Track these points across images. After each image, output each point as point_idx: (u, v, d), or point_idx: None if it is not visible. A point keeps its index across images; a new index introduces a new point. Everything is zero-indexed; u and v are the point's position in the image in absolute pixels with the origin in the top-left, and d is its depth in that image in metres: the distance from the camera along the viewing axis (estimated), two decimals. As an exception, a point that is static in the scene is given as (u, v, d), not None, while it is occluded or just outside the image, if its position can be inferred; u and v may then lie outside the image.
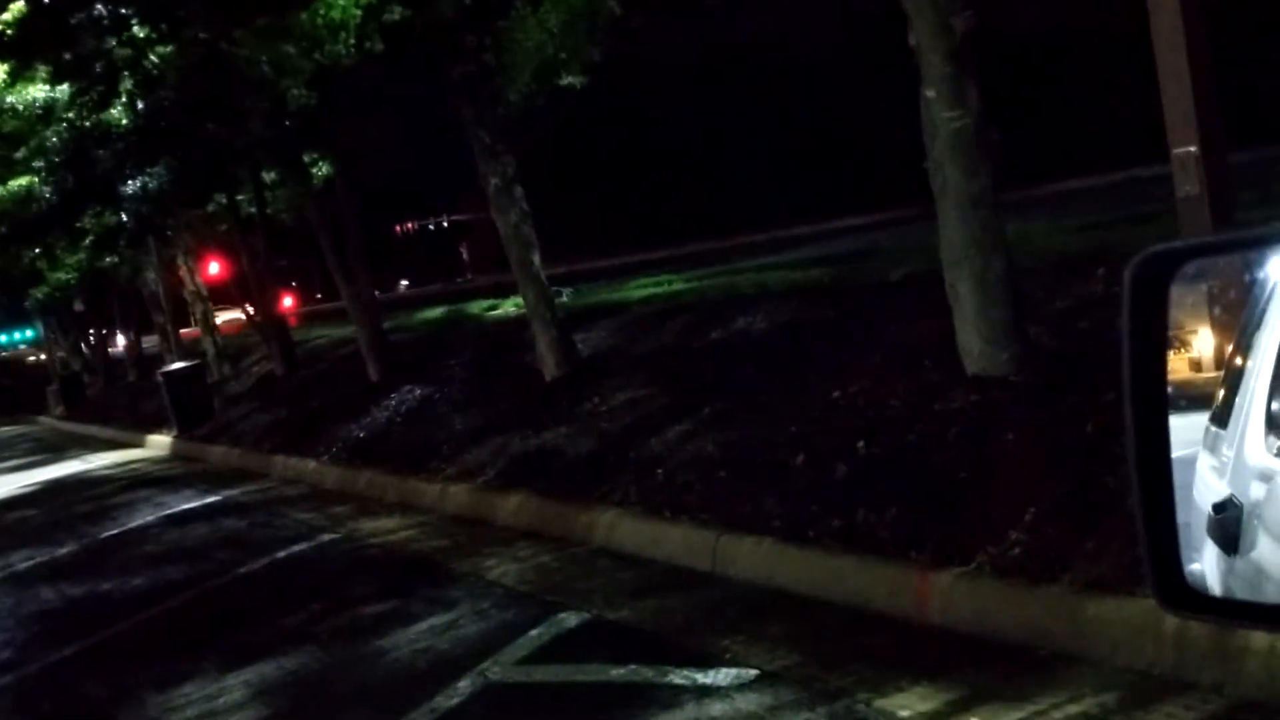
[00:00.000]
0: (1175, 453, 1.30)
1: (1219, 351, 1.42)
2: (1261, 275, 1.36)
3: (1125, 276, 1.25)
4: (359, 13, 8.86)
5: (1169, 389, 1.29)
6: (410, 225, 59.00)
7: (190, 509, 11.84)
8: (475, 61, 9.91)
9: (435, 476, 9.74)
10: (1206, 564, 1.40)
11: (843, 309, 9.05)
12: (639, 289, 13.88)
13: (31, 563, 10.46)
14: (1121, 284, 1.25)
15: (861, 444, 6.45)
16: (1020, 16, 29.78)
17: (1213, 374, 1.44)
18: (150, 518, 11.70)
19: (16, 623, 8.28)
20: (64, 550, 10.81)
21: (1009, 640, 4.53)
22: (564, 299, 13.62)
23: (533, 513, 8.10)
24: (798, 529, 5.97)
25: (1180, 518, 1.30)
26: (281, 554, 8.85)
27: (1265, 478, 1.37)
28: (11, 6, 12.97)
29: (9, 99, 15.84)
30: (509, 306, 15.42)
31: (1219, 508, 1.41)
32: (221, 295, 25.26)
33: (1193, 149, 5.58)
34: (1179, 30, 5.59)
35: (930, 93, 6.31)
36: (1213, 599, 1.34)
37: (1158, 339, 1.27)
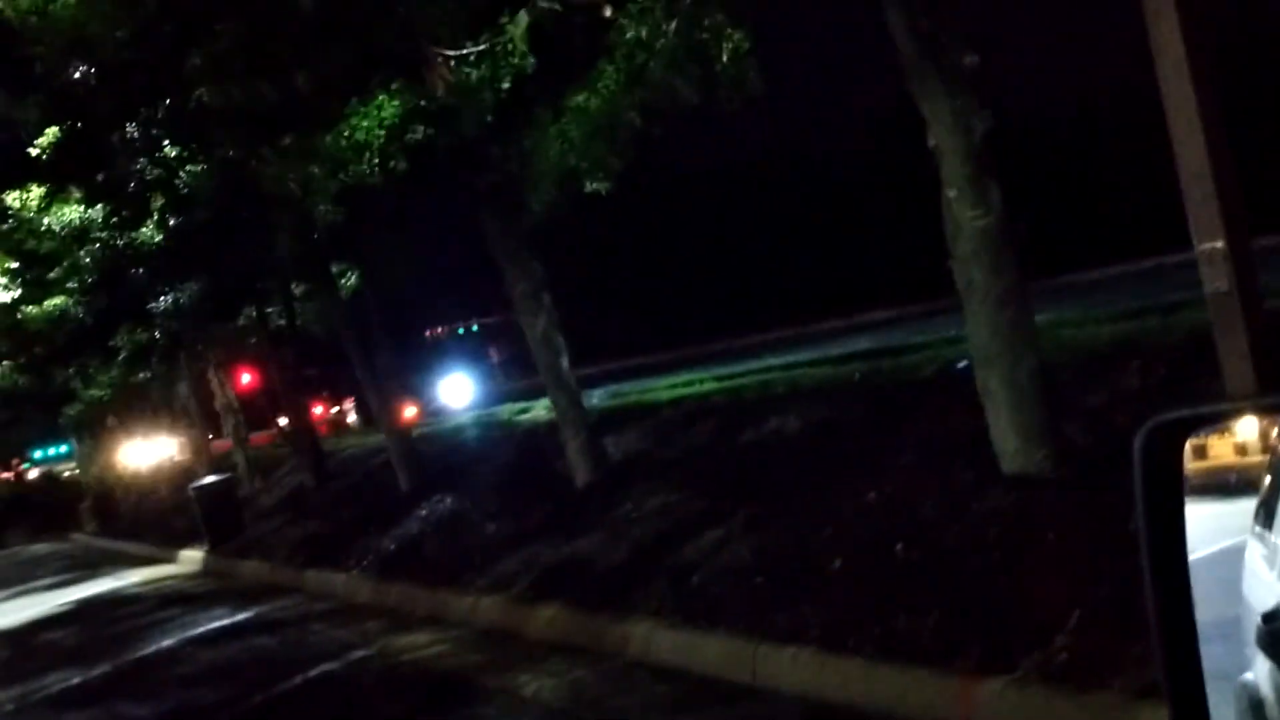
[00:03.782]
0: (1221, 543, 1.26)
1: (1264, 434, 1.39)
2: None
3: (1135, 445, 1.24)
4: (383, 134, 9.03)
5: (1189, 555, 1.25)
6: (440, 330, 59.53)
7: (221, 627, 11.75)
8: (498, 173, 10.04)
9: (467, 589, 9.62)
10: (1259, 675, 1.35)
11: (875, 407, 8.98)
12: (669, 389, 13.85)
13: (64, 685, 10.36)
14: (1132, 452, 1.24)
15: (899, 547, 6.33)
16: (1042, 107, 30.19)
17: (1258, 457, 1.41)
18: (182, 637, 11.60)
19: (47, 751, 8.16)
20: (96, 672, 10.70)
21: (1060, 750, 4.38)
22: (594, 401, 13.60)
23: (566, 625, 7.96)
24: (837, 637, 5.84)
25: (1230, 611, 1.27)
26: (314, 672, 8.72)
27: None
28: (47, 130, 13.36)
29: (45, 220, 16.19)
30: (539, 410, 15.40)
31: (1269, 617, 1.36)
32: (251, 407, 25.41)
33: (1219, 244, 5.54)
34: (1198, 128, 5.59)
35: (952, 193, 6.33)
36: None
37: (1174, 503, 1.25)
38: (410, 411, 20.07)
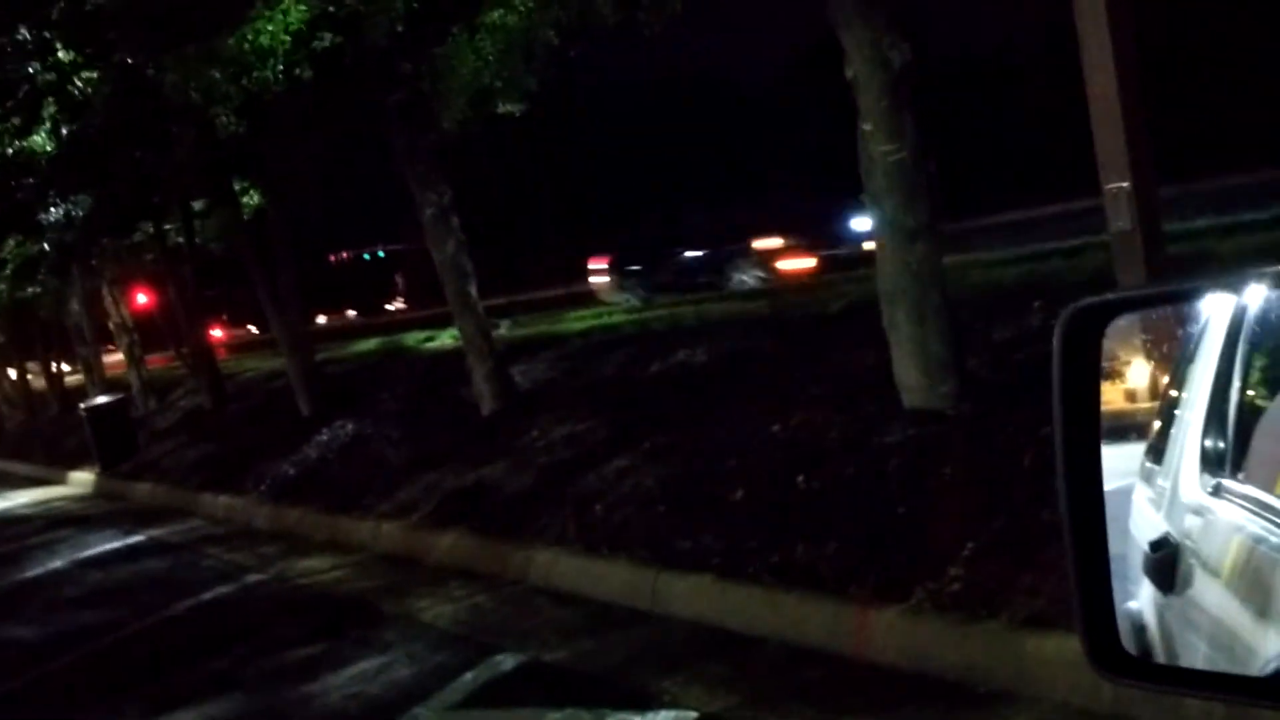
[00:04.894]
0: (1112, 484, 1.29)
1: (1154, 382, 1.42)
2: (1194, 312, 1.36)
3: (1056, 330, 1.23)
4: (288, 39, 8.68)
5: (1102, 442, 1.26)
6: (345, 255, 58.39)
7: (113, 549, 11.48)
8: (409, 89, 9.76)
9: (367, 514, 9.52)
10: (1143, 602, 1.40)
11: (782, 340, 9.03)
12: (578, 320, 13.78)
13: (-57, 608, 10.04)
14: (1052, 337, 1.22)
15: (801, 478, 6.40)
16: (957, 47, 30.40)
17: (1148, 404, 1.44)
18: (71, 559, 11.31)
19: (-77, 672, 7.90)
20: (-21, 594, 10.39)
21: (949, 677, 4.49)
22: (502, 331, 13.47)
23: (467, 551, 7.92)
24: (737, 565, 5.90)
25: (1116, 548, 1.30)
26: (207, 596, 8.58)
27: (1200, 515, 1.39)
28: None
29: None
30: (445, 338, 15.22)
31: (1155, 545, 1.41)
32: (148, 327, 24.67)
33: (1125, 184, 5.63)
34: (1110, 68, 5.65)
35: (867, 126, 6.31)
36: (1146, 664, 1.33)
37: (1090, 393, 1.26)
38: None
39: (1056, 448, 1.24)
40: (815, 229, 21.33)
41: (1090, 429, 1.26)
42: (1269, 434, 1.26)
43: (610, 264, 21.37)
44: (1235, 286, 1.24)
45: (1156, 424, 1.46)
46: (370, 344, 19.35)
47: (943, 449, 5.92)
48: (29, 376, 31.67)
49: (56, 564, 11.19)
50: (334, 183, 20.98)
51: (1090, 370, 1.26)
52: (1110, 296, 1.28)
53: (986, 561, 4.86)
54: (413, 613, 7.00)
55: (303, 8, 8.67)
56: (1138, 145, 5.71)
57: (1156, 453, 1.47)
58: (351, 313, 47.90)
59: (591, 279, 21.73)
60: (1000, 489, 5.27)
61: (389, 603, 7.36)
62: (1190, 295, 1.34)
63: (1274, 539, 1.21)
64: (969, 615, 4.62)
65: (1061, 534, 1.23)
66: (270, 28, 8.63)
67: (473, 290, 10.68)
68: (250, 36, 8.72)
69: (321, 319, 47.45)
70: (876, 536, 5.48)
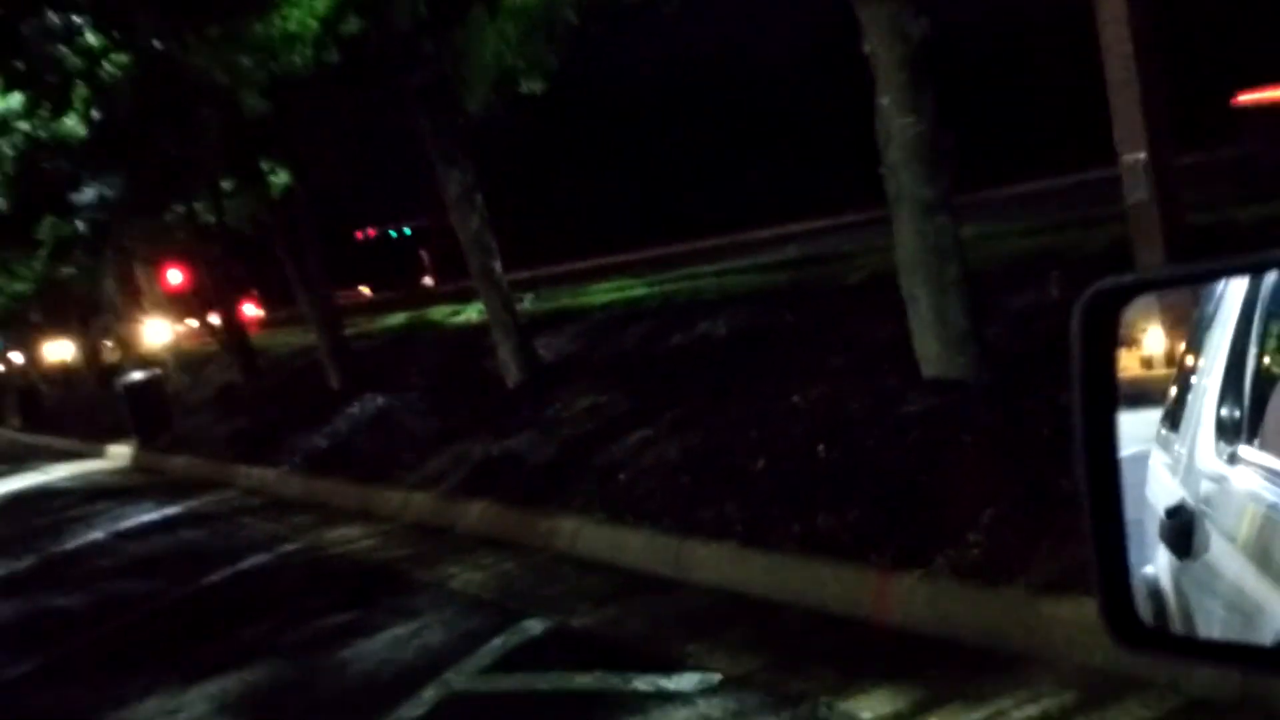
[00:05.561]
0: (1128, 450, 1.32)
1: (1170, 349, 1.46)
2: (1212, 285, 1.40)
3: (1074, 312, 1.26)
4: (315, 24, 8.80)
5: (1119, 408, 1.30)
6: (371, 231, 58.67)
7: (150, 520, 11.72)
8: (432, 71, 9.87)
9: (397, 485, 9.69)
10: (1160, 568, 1.43)
11: (803, 313, 9.10)
12: (601, 294, 13.89)
13: (-11, 578, 10.32)
14: (1070, 319, 1.26)
15: (821, 448, 6.49)
16: (975, 16, 30.11)
17: (1164, 371, 1.48)
18: (110, 530, 11.57)
19: (-28, 640, 8.16)
20: (22, 565, 10.66)
21: (969, 641, 4.56)
22: (526, 305, 13.60)
23: (495, 520, 8.08)
24: (759, 533, 5.99)
25: (1133, 514, 1.32)
26: (244, 565, 8.78)
27: (1216, 483, 1.42)
28: (-40, 16, 12.78)
29: (-39, 109, 15.57)
30: (471, 313, 15.37)
31: (1171, 512, 1.45)
32: (180, 304, 24.95)
33: (1141, 155, 5.68)
34: (1127, 39, 5.69)
35: (885, 100, 6.37)
36: (1162, 634, 1.37)
37: (1108, 373, 1.29)
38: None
39: (1075, 425, 1.26)
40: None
41: (1108, 407, 1.28)
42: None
43: None
44: (1252, 269, 1.27)
45: (1173, 391, 1.49)
46: (398, 319, 19.54)
47: (962, 418, 5.98)
48: (67, 354, 32.17)
49: (96, 535, 11.45)
50: (360, 161, 21.11)
51: (1108, 350, 1.28)
52: (1127, 279, 1.30)
53: (1005, 528, 4.93)
54: (443, 580, 7.16)
55: (329, -7, 8.78)
56: (1154, 116, 5.75)
57: (1173, 420, 1.49)
58: (365, 290, 47.83)
59: None
60: (1019, 457, 5.35)
61: (420, 570, 7.51)
62: (1207, 277, 1.36)
63: None
64: (988, 581, 4.69)
65: (1079, 507, 1.27)
66: (297, 13, 8.74)
67: (497, 266, 10.81)
68: (278, 21, 8.83)
69: (365, 290, 47.59)
70: (897, 505, 5.55)
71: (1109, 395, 1.28)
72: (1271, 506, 1.27)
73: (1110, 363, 1.29)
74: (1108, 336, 1.28)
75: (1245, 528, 1.34)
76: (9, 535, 12.62)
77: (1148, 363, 1.44)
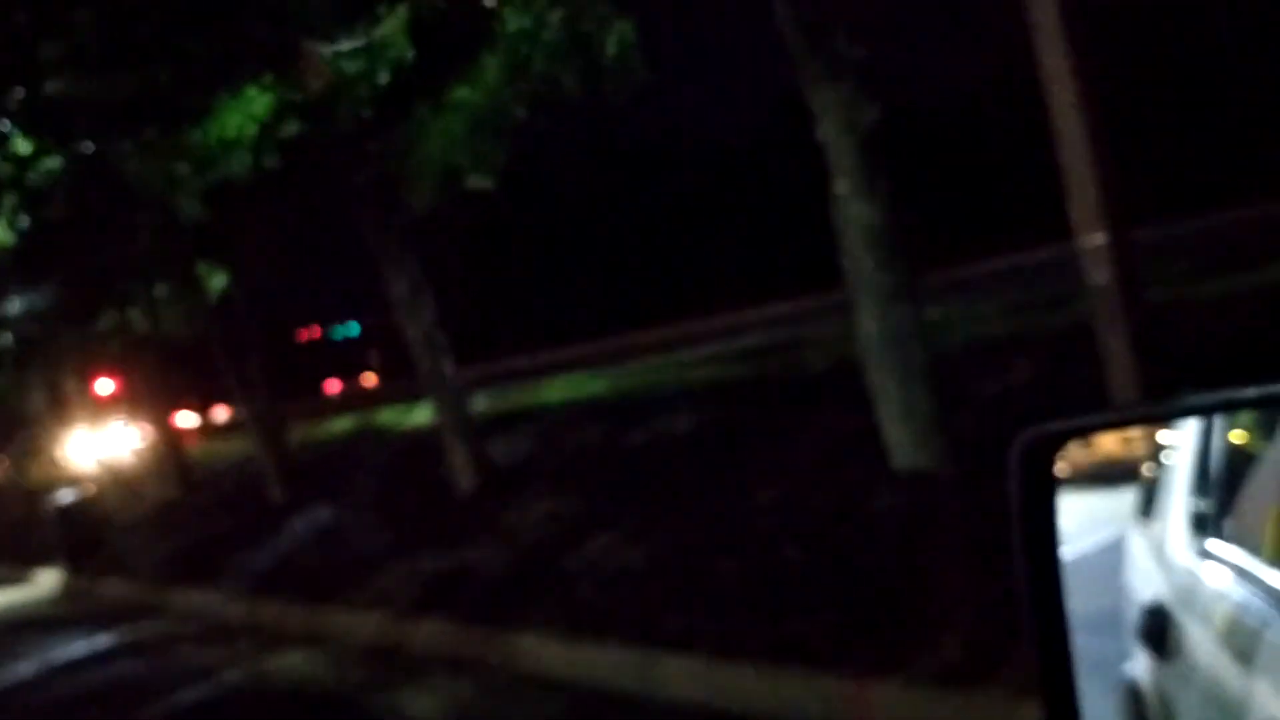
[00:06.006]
0: (1103, 534, 1.39)
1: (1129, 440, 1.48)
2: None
3: (1011, 457, 1.28)
4: (255, 129, 8.63)
5: (1062, 563, 1.29)
6: (316, 332, 58.10)
7: (83, 652, 11.12)
8: (375, 170, 9.71)
9: (346, 605, 9.30)
10: (1139, 669, 1.42)
11: (767, 404, 8.92)
12: (556, 390, 13.61)
13: (-93, 722, 9.65)
14: (1008, 463, 1.27)
15: (790, 550, 6.26)
16: (931, 103, 30.86)
17: (1138, 448, 1.50)
18: (41, 665, 10.93)
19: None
20: (-59, 706, 10.00)
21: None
22: (479, 407, 13.29)
23: (450, 639, 7.72)
24: (729, 643, 5.77)
25: (1108, 604, 1.39)
26: (182, 699, 8.27)
27: (1189, 579, 1.43)
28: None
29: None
30: (421, 414, 15.01)
31: (1148, 612, 1.46)
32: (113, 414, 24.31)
33: (1100, 239, 5.57)
34: (1078, 123, 5.61)
35: (841, 187, 6.27)
36: None
37: (1047, 513, 1.29)
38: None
39: (1018, 569, 1.27)
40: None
41: (1049, 546, 1.28)
42: (1253, 497, 1.29)
43: None
44: (1198, 413, 1.30)
45: (1146, 470, 1.50)
46: (343, 423, 19.08)
47: (933, 513, 5.86)
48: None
49: (25, 671, 10.80)
50: (301, 261, 20.84)
51: (1046, 492, 1.29)
52: (1062, 425, 1.32)
53: (982, 628, 4.76)
54: (396, 707, 6.80)
55: (267, 98, 8.61)
56: (1111, 199, 5.66)
57: (1148, 501, 1.52)
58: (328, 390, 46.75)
59: None
60: (992, 551, 5.13)
61: (371, 697, 7.19)
62: (1140, 420, 1.45)
63: (1258, 604, 1.23)
64: (968, 683, 4.54)
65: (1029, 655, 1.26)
66: (235, 119, 8.58)
67: (448, 366, 10.54)
68: (215, 129, 8.66)
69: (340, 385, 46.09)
70: (870, 606, 5.43)
71: (1050, 537, 1.29)
72: (1241, 606, 1.28)
73: (1049, 504, 1.30)
74: (1045, 480, 1.30)
75: (1219, 625, 1.34)
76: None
77: (1125, 440, 1.46)
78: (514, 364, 24.59)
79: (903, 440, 6.32)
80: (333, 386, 47.09)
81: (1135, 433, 1.47)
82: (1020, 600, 1.26)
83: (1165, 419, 1.41)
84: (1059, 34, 5.53)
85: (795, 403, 8.49)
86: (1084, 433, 1.35)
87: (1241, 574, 1.30)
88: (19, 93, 11.28)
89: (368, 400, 26.73)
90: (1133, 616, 1.46)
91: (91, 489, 18.77)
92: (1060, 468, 1.32)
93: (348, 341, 57.00)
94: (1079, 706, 1.25)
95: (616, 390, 11.93)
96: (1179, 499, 1.45)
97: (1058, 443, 1.32)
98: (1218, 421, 1.35)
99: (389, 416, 16.90)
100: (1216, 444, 1.37)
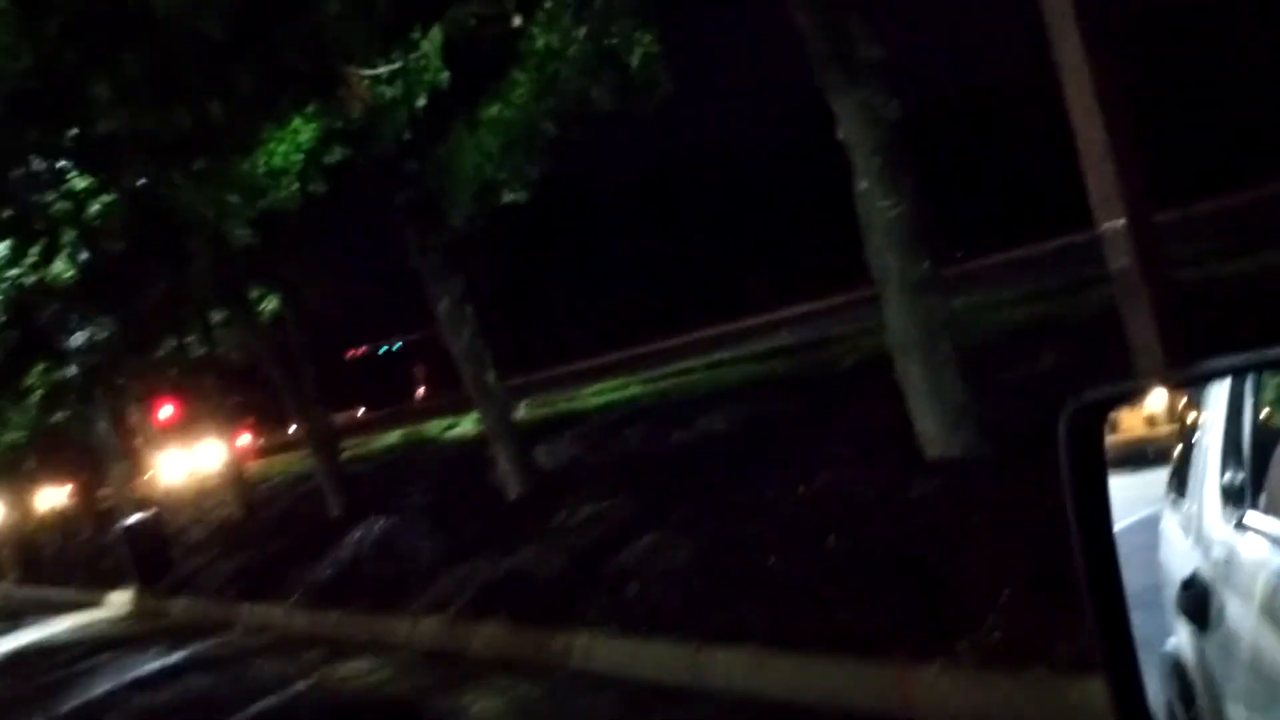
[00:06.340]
0: (1138, 513, 1.35)
1: (1172, 406, 1.48)
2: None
3: (1059, 427, 1.30)
4: (301, 157, 8.93)
5: (1114, 524, 1.30)
6: (363, 349, 58.68)
7: (156, 669, 11.42)
8: (416, 188, 9.97)
9: (405, 612, 9.50)
10: (1181, 641, 1.44)
11: (800, 401, 9.06)
12: (597, 396, 13.84)
13: (-9, 743, 10.04)
14: (1057, 433, 1.28)
15: (831, 539, 6.39)
16: (950, 92, 30.67)
17: (1167, 429, 1.49)
18: (116, 683, 11.24)
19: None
20: (26, 726, 10.38)
21: (1000, 728, 4.43)
22: (521, 413, 13.54)
23: (507, 641, 7.90)
24: (777, 633, 5.86)
25: (1145, 580, 1.33)
26: (254, 709, 8.53)
27: (1225, 550, 1.41)
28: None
29: (-52, 262, 15.64)
30: (467, 424, 15.30)
31: (1186, 584, 1.45)
32: (175, 439, 24.86)
33: (1120, 222, 5.67)
34: (1095, 109, 5.71)
35: (863, 185, 6.41)
36: None
37: (1097, 481, 1.30)
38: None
39: (1072, 533, 1.28)
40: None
41: (1101, 513, 1.30)
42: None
43: None
44: (1234, 373, 1.29)
45: (1178, 450, 1.50)
46: (393, 437, 19.44)
47: (969, 496, 5.91)
48: (62, 500, 31.90)
49: (101, 689, 11.14)
50: (350, 280, 21.24)
51: (1095, 457, 1.31)
52: (1105, 392, 1.33)
53: (1024, 608, 4.81)
54: (458, 710, 6.96)
55: (313, 126, 8.90)
56: (1130, 183, 5.75)
57: (1180, 480, 1.51)
58: (360, 412, 46.54)
59: None
60: (1029, 532, 5.25)
61: (435, 699, 7.32)
62: (1186, 384, 1.40)
63: None
64: (1011, 665, 4.57)
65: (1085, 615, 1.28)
66: (282, 148, 8.87)
67: (491, 376, 10.78)
68: (263, 159, 8.96)
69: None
70: (913, 592, 5.44)
71: (1101, 500, 1.29)
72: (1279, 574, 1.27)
73: (1098, 467, 1.30)
74: (1094, 445, 1.30)
75: (1260, 596, 1.34)
76: (13, 696, 12.32)
77: (1151, 421, 1.46)
78: (554, 372, 24.85)
79: (934, 429, 6.42)
80: (378, 402, 47.33)
81: (1161, 414, 1.47)
82: (1076, 571, 1.27)
83: (1206, 379, 1.37)
84: (1074, 17, 5.65)
85: (828, 398, 8.62)
86: (1127, 399, 1.36)
87: (1278, 543, 1.29)
88: (73, 131, 11.68)
89: (415, 414, 27.12)
90: (1171, 594, 1.44)
91: (158, 511, 19.22)
92: (1108, 437, 1.32)
93: (390, 357, 57.53)
94: (1139, 671, 1.28)
95: (654, 393, 12.11)
96: (1212, 474, 1.44)
97: (1103, 411, 1.33)
98: (1247, 396, 1.34)
99: (436, 428, 17.22)
100: (1247, 417, 1.35)
